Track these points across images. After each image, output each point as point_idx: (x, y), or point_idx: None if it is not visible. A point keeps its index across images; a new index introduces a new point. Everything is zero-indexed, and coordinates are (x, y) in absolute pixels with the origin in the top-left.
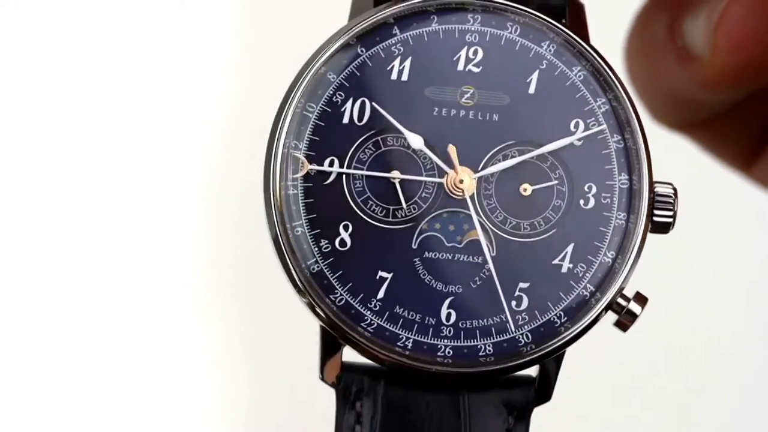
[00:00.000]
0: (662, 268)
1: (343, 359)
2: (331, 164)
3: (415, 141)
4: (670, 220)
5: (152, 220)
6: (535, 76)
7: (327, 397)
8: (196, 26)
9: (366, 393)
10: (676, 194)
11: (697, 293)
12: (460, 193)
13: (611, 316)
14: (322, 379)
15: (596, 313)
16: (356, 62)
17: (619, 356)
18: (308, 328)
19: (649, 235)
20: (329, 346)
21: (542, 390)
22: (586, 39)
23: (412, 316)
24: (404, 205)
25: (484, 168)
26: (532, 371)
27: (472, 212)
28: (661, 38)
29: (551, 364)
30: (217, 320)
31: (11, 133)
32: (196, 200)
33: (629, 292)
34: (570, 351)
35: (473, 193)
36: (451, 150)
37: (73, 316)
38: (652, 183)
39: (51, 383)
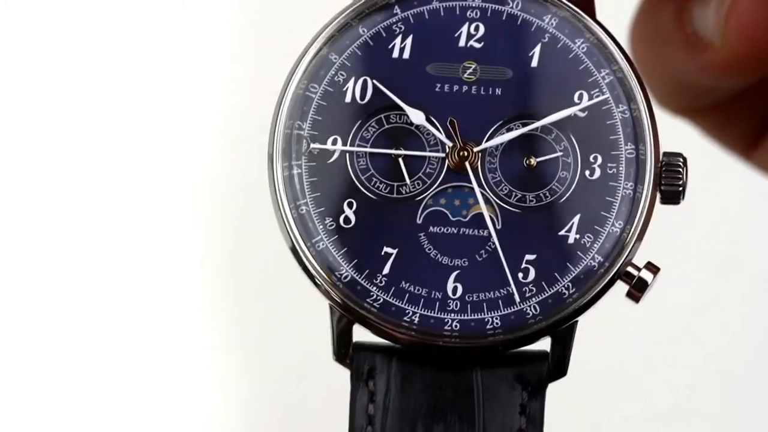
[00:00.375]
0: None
1: (355, 339)
2: (334, 143)
3: (417, 116)
4: (680, 189)
5: (152, 217)
6: (537, 49)
7: (326, 393)
8: (197, 26)
9: (378, 371)
10: (685, 163)
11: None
12: (463, 167)
13: (622, 289)
14: (335, 359)
15: (604, 283)
16: (357, 42)
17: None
18: (308, 321)
19: (661, 207)
20: (340, 326)
21: (556, 365)
22: (590, 12)
23: (418, 290)
24: (408, 181)
25: (487, 141)
26: (546, 346)
27: (475, 185)
28: (668, 25)
29: (563, 337)
30: (217, 317)
31: (11, 132)
32: (195, 198)
33: (640, 262)
34: (585, 327)
35: (477, 167)
36: (452, 123)
37: (73, 314)
38: (659, 152)
39: (51, 384)
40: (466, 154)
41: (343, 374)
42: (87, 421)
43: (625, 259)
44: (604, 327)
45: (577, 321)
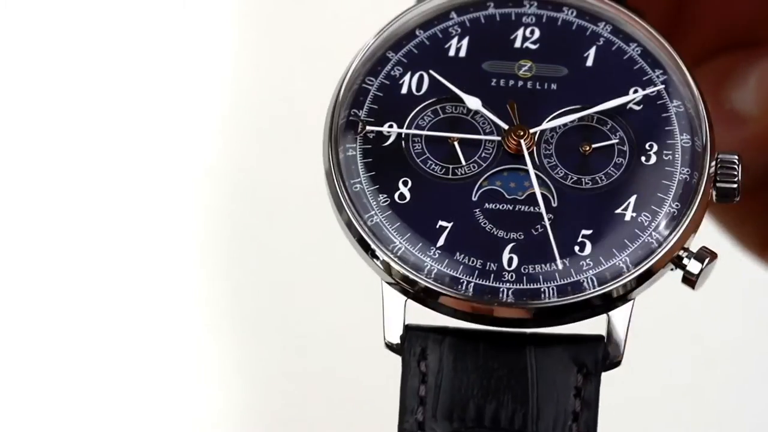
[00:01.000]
0: None
1: (406, 322)
2: (390, 127)
3: (473, 102)
4: (735, 186)
5: (152, 217)
6: (592, 51)
7: (327, 393)
8: (198, 26)
9: (430, 352)
10: (740, 162)
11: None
12: (519, 149)
13: (679, 275)
14: (387, 342)
15: (658, 257)
16: (414, 41)
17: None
18: (309, 321)
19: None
20: (392, 305)
21: (612, 348)
22: (642, 17)
23: (473, 262)
24: (464, 163)
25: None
26: (602, 330)
27: (529, 165)
28: None
29: (618, 319)
30: (216, 315)
31: (12, 132)
32: (196, 198)
33: (695, 247)
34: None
35: (533, 151)
36: (511, 105)
37: (71, 312)
38: (714, 148)
39: (47, 382)
40: (522, 133)
41: (345, 373)
42: (84, 421)
43: (679, 239)
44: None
45: (633, 302)
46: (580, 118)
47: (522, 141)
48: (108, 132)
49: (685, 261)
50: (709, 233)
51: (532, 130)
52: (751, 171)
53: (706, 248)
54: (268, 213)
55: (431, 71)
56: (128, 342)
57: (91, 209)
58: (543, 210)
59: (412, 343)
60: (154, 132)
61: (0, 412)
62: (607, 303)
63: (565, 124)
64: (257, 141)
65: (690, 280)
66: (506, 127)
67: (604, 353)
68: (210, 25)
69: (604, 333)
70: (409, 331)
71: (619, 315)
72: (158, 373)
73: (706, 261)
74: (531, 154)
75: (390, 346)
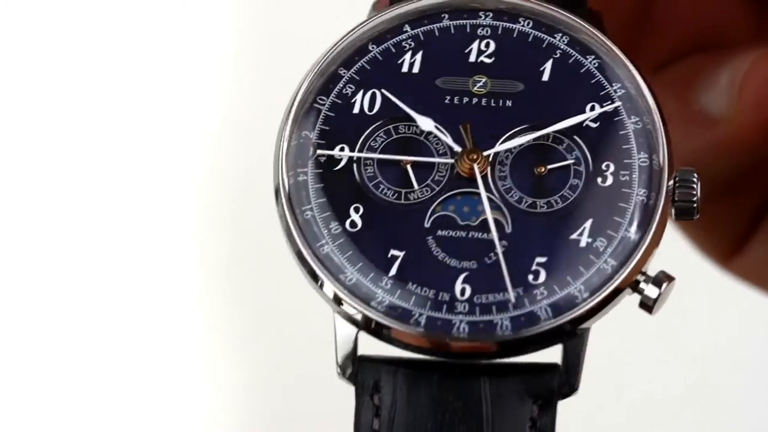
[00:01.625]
0: None
1: (359, 353)
2: (341, 150)
3: (425, 123)
4: (695, 204)
5: (152, 217)
6: (549, 64)
7: (328, 394)
8: (198, 25)
9: (384, 384)
10: (699, 180)
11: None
12: (472, 172)
13: (634, 302)
14: (339, 373)
15: (616, 284)
16: (366, 57)
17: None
18: (310, 321)
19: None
20: (343, 337)
21: (567, 377)
22: (601, 29)
23: (425, 292)
24: (416, 187)
25: (496, 147)
26: (557, 359)
27: (481, 190)
28: (670, 109)
29: (574, 347)
30: (217, 316)
31: (12, 133)
32: (196, 198)
33: (653, 271)
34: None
35: (486, 173)
36: (464, 127)
37: (71, 313)
38: (672, 165)
39: (48, 382)
40: (475, 156)
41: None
42: (85, 421)
43: (636, 264)
44: (614, 342)
45: (588, 330)
46: (536, 138)
47: (475, 165)
48: (109, 132)
49: (642, 285)
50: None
51: (485, 153)
52: (717, 176)
53: (664, 272)
54: (269, 213)
55: (383, 90)
56: (129, 341)
57: (92, 209)
58: (495, 238)
59: (365, 376)
60: (154, 132)
61: (3, 411)
62: (562, 333)
63: (520, 144)
64: (258, 141)
65: (647, 305)
66: (459, 149)
67: (559, 382)
68: (211, 26)
69: (559, 361)
70: (362, 362)
71: (574, 343)
72: (159, 372)
73: (664, 286)
74: (485, 177)
75: (343, 377)
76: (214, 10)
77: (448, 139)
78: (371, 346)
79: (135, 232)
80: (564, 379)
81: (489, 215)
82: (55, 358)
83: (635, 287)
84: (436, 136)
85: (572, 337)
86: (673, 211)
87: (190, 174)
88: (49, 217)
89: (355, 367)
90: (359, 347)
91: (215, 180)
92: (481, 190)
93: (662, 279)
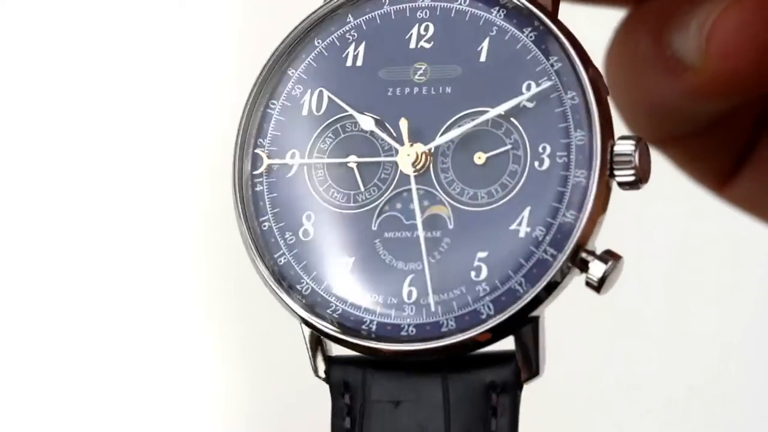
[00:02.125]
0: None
1: (332, 353)
2: (292, 156)
3: (366, 122)
4: (633, 177)
5: (153, 218)
6: (485, 43)
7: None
8: (196, 25)
9: (352, 384)
10: (636, 148)
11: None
12: (413, 169)
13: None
14: (316, 374)
15: (554, 272)
16: (313, 54)
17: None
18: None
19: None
20: (312, 340)
21: (525, 364)
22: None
23: (375, 297)
24: (362, 188)
25: (434, 141)
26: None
27: (412, 186)
28: (645, 49)
29: (527, 335)
30: (217, 317)
31: (11, 133)
32: (196, 200)
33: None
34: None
35: (429, 167)
36: (402, 124)
37: (74, 314)
38: (606, 137)
39: (50, 384)
40: (412, 152)
41: None
42: (85, 421)
43: (574, 246)
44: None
45: (538, 317)
46: (475, 125)
47: (409, 162)
48: (109, 132)
49: (585, 263)
50: None
51: (424, 148)
52: (696, 117)
53: (610, 251)
54: None
55: (327, 92)
56: (130, 341)
57: (92, 209)
58: (422, 239)
59: (335, 376)
60: (155, 132)
61: (4, 411)
62: (507, 328)
63: (460, 134)
64: None
65: (592, 285)
66: (400, 148)
67: (516, 370)
68: (212, 25)
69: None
70: (332, 363)
71: (527, 331)
72: (159, 373)
73: (609, 264)
74: (426, 171)
75: (317, 376)
76: (214, 9)
77: (388, 138)
78: None
79: (135, 232)
80: (521, 366)
81: (418, 212)
82: (56, 358)
83: (583, 267)
84: (378, 134)
85: (520, 328)
86: (615, 182)
87: (191, 174)
88: (49, 217)
89: (327, 366)
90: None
91: (215, 180)
92: (412, 186)
93: (607, 258)
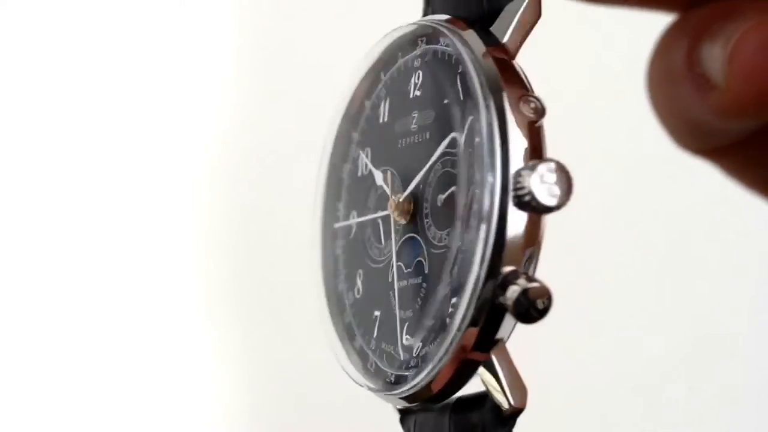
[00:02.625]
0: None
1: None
2: (352, 217)
3: (377, 177)
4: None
5: (154, 221)
6: (458, 81)
7: (329, 396)
8: (196, 25)
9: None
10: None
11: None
12: (399, 219)
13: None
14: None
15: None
16: (364, 115)
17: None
18: (311, 322)
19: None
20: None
21: (502, 399)
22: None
23: (388, 348)
24: (383, 243)
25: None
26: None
27: (392, 234)
28: (679, 65)
29: (487, 373)
30: (218, 317)
31: (11, 133)
32: (197, 201)
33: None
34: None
35: (415, 214)
36: (387, 175)
37: (75, 314)
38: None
39: (49, 383)
40: (392, 206)
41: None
42: (86, 421)
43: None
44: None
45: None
46: (429, 166)
47: (395, 213)
48: (109, 133)
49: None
50: None
51: (400, 198)
52: (731, 134)
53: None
54: (270, 213)
55: (365, 149)
56: (130, 341)
57: (92, 210)
58: (396, 286)
59: (404, 426)
60: (155, 132)
61: (4, 411)
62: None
63: (423, 179)
64: (259, 141)
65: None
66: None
67: (494, 407)
68: (212, 25)
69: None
70: (401, 413)
71: (486, 370)
72: (160, 372)
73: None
74: (413, 218)
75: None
76: (214, 9)
77: (389, 190)
78: None
79: (135, 232)
80: (501, 401)
81: (394, 256)
82: (56, 359)
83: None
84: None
85: (478, 366)
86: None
87: (191, 174)
88: (49, 217)
89: (401, 417)
90: None
91: (215, 180)
92: (392, 233)
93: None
